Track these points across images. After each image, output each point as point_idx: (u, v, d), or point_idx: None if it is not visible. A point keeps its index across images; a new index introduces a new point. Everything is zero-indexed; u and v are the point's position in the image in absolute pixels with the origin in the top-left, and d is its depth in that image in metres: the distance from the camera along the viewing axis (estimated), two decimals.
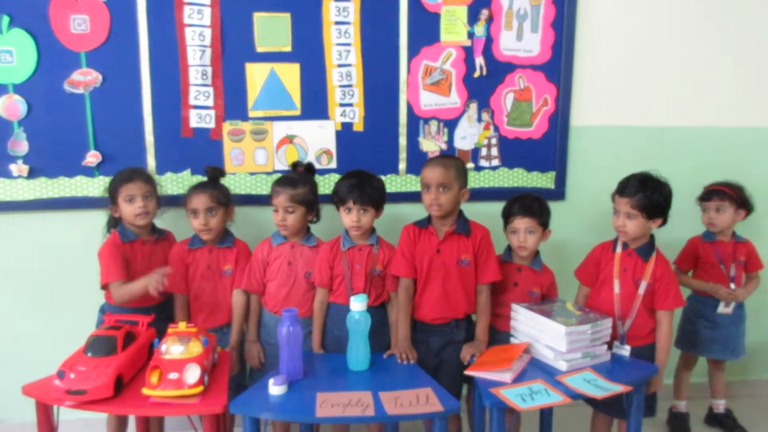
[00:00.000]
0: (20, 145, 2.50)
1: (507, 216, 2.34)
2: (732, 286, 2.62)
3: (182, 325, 1.94)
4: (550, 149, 2.80)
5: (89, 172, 2.55)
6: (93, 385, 1.72)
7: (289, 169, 2.46)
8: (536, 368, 2.03)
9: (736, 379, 3.04)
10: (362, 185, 2.23)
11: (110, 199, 2.30)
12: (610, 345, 2.14)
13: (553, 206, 2.62)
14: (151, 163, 2.57)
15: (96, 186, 2.54)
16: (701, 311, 2.70)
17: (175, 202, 2.43)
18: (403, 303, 2.26)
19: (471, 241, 2.27)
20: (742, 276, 2.68)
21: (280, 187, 2.29)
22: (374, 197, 2.23)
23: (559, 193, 2.83)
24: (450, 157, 2.48)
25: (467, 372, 2.02)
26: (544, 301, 2.30)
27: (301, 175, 2.36)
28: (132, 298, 2.16)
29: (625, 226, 2.20)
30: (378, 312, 2.28)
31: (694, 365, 2.81)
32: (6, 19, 2.41)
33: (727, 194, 2.61)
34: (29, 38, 2.44)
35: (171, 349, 1.84)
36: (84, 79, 2.50)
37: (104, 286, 2.24)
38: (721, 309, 2.64)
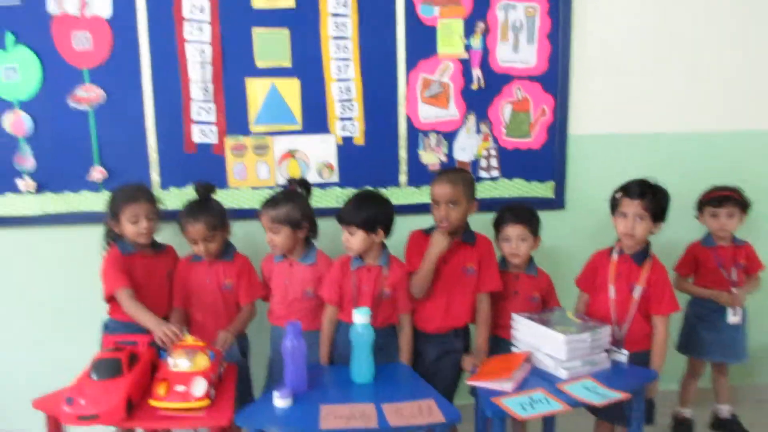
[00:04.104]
0: (26, 160, 2.54)
1: (499, 224, 2.37)
2: (734, 290, 2.64)
3: (189, 339, 1.97)
4: (548, 159, 2.82)
5: (94, 187, 2.59)
6: (104, 409, 1.73)
7: (285, 185, 2.48)
8: (537, 377, 2.05)
9: (741, 383, 3.05)
10: (351, 207, 2.21)
11: (110, 214, 2.29)
12: (608, 351, 2.17)
13: (553, 215, 2.67)
14: (155, 178, 2.61)
15: (101, 201, 2.54)
16: (702, 315, 2.72)
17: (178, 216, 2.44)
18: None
19: (476, 250, 2.31)
20: (744, 280, 2.69)
21: (262, 208, 2.31)
22: (357, 220, 2.18)
23: (558, 202, 2.86)
24: (458, 171, 2.49)
25: (469, 381, 2.05)
26: (544, 310, 2.32)
27: (285, 194, 2.35)
28: (134, 319, 2.15)
29: (635, 228, 2.22)
30: (384, 333, 2.24)
31: (701, 374, 2.82)
32: (10, 37, 2.45)
33: (737, 200, 2.63)
34: (33, 55, 2.48)
35: (178, 362, 1.87)
36: (88, 95, 2.54)
37: (109, 299, 2.24)
38: (731, 319, 2.65)
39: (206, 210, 2.29)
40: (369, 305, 2.21)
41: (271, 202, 2.30)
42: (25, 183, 2.54)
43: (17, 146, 2.53)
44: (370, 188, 2.40)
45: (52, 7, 2.47)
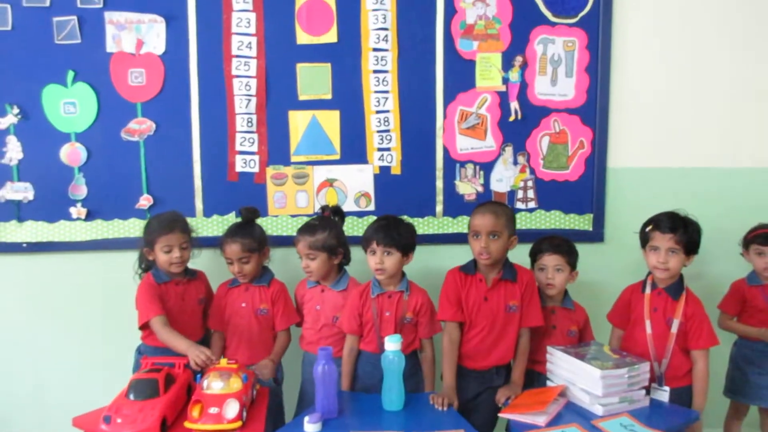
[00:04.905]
0: (80, 189, 2.66)
1: (535, 254, 2.36)
2: None
3: (223, 362, 2.00)
4: (587, 191, 2.81)
5: (141, 214, 2.69)
6: (140, 428, 1.76)
7: (319, 212, 2.52)
8: (572, 412, 2.01)
9: None
10: (388, 227, 2.24)
11: (145, 243, 2.34)
12: (648, 388, 2.11)
13: (592, 248, 2.63)
14: (198, 206, 2.70)
15: None
16: (750, 357, 2.61)
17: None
18: (447, 351, 2.24)
19: (518, 286, 2.27)
20: None
21: (299, 234, 2.35)
22: (398, 240, 2.21)
23: (597, 234, 2.82)
24: (500, 204, 2.51)
25: (501, 414, 2.02)
26: (580, 343, 2.28)
27: (321, 221, 2.39)
28: (167, 346, 2.15)
29: (668, 262, 2.18)
30: (409, 359, 2.22)
31: (745, 415, 2.70)
32: (71, 74, 2.60)
33: None
34: (91, 91, 2.62)
35: (212, 384, 1.90)
36: (139, 127, 2.66)
37: (143, 326, 2.27)
38: None
39: (245, 232, 2.36)
40: (392, 331, 2.21)
41: (309, 229, 2.35)
42: (77, 210, 2.66)
43: (72, 176, 2.65)
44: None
45: (110, 45, 2.61)
